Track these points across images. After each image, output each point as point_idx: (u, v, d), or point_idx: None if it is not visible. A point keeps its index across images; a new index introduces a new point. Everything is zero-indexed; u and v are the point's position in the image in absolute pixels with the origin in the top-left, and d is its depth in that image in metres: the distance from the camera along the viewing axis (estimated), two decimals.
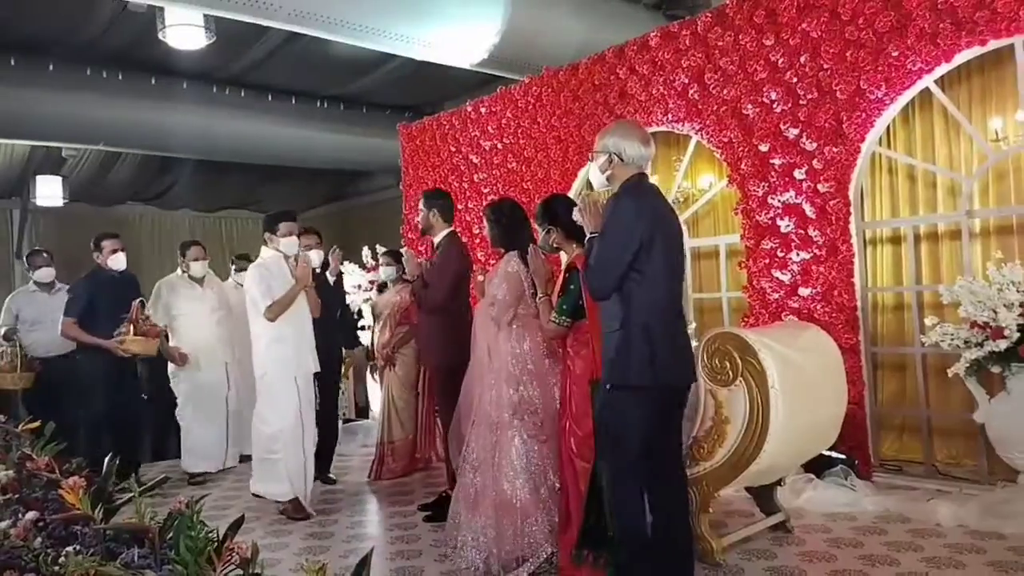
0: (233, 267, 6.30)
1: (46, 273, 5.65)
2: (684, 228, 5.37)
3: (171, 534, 2.00)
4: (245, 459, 5.39)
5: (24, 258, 6.01)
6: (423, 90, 9.26)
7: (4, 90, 7.35)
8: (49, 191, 10.04)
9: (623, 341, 2.65)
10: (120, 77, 7.98)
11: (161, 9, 6.25)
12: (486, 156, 6.66)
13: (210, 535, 1.84)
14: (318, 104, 9.52)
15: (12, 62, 7.40)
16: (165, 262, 9.96)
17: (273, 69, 8.39)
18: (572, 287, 3.02)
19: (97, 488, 2.26)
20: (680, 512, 2.80)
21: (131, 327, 4.76)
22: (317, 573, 1.27)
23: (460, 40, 6.49)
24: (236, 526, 1.90)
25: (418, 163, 7.45)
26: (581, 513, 3.01)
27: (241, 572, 1.62)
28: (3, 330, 5.47)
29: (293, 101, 9.23)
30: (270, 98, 9.05)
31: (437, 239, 4.20)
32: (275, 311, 4.18)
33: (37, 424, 3.24)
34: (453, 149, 7.01)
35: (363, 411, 7.65)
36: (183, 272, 5.55)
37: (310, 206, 13.28)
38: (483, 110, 6.67)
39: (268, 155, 9.71)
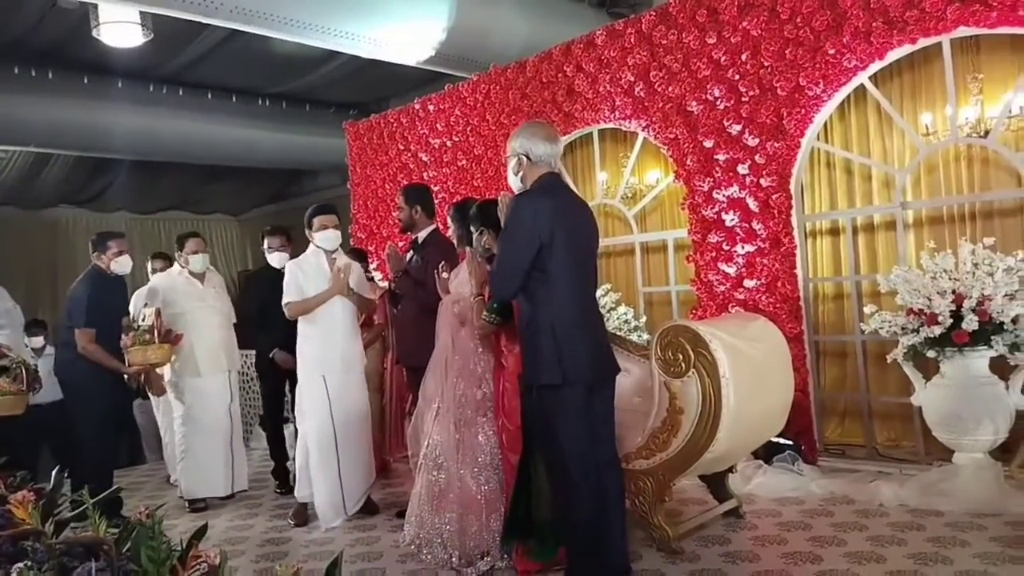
0: (149, 265, 5.68)
1: None
2: (632, 223, 5.56)
3: (128, 545, 1.95)
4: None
5: None
6: (368, 87, 9.18)
7: None
8: None
9: (531, 341, 2.77)
10: (51, 76, 7.69)
11: (94, 6, 6.04)
12: (435, 154, 6.64)
13: (172, 546, 1.81)
14: (260, 102, 9.35)
15: None
16: None
17: (212, 67, 8.20)
18: None
19: (47, 502, 2.19)
20: (615, 499, 2.89)
21: (155, 335, 4.30)
22: None
23: (407, 37, 6.46)
24: (200, 533, 1.87)
25: (365, 161, 7.38)
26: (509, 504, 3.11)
27: None
28: None
29: (234, 99, 9.05)
30: (210, 96, 8.85)
31: (422, 236, 4.17)
32: (292, 310, 4.10)
33: None
34: (401, 147, 6.96)
35: None
36: (182, 267, 4.88)
37: (253, 205, 13.04)
38: (431, 107, 6.65)
39: (209, 154, 9.49)
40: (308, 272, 4.16)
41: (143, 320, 4.33)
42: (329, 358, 4.11)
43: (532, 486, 3.07)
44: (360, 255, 5.31)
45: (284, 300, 4.14)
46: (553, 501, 2.88)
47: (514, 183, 2.93)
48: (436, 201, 6.31)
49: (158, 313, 4.37)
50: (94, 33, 6.21)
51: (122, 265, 4.53)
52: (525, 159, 2.85)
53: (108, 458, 4.51)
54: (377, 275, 6.49)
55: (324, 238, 4.16)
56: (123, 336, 4.36)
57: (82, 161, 9.94)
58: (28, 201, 10.76)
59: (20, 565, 1.83)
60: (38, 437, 5.37)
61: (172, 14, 5.58)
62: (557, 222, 2.71)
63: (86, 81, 7.89)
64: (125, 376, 4.57)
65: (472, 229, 3.36)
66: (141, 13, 6.07)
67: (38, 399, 4.19)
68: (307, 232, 4.24)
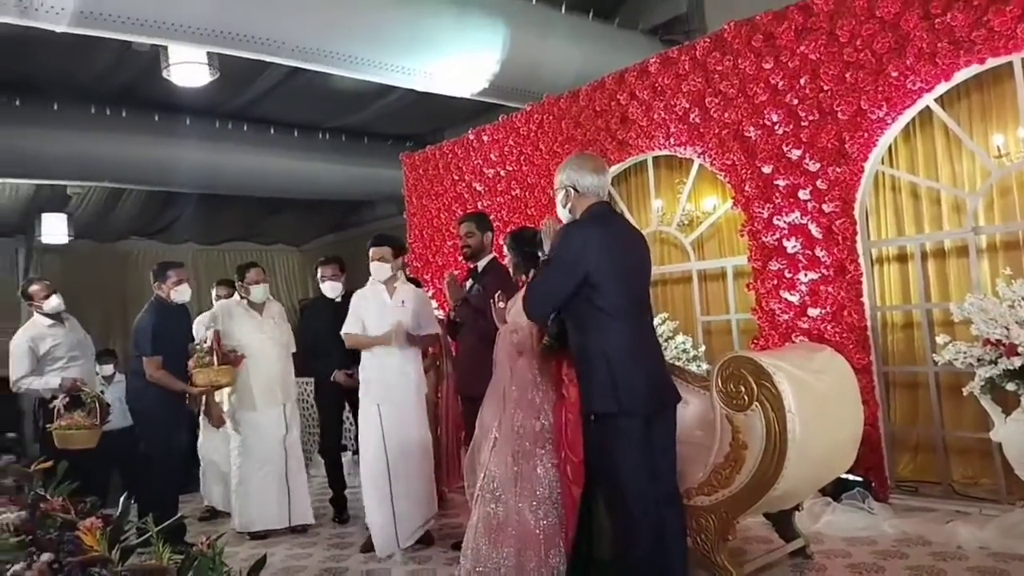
0: (214, 292, 5.85)
1: (57, 303, 4.83)
2: (689, 250, 5.47)
3: (190, 574, 1.97)
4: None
5: (22, 292, 5.04)
6: (424, 120, 9.36)
7: (9, 130, 7.43)
8: (54, 229, 10.09)
9: (585, 369, 2.75)
10: (124, 115, 8.07)
11: (165, 48, 6.33)
12: (489, 183, 6.69)
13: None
14: (320, 136, 9.62)
15: (17, 102, 7.49)
16: None
17: (275, 103, 8.49)
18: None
19: (114, 528, 2.24)
20: (676, 535, 2.81)
21: (214, 357, 4.40)
22: None
23: (460, 70, 6.56)
24: (259, 565, 1.88)
25: (421, 191, 7.49)
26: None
27: None
28: (60, 378, 4.58)
29: (295, 134, 9.32)
30: (272, 131, 9.14)
31: (482, 264, 4.21)
32: (348, 341, 4.24)
33: (49, 464, 3.21)
34: (456, 177, 7.04)
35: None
36: (242, 298, 4.94)
37: (314, 236, 13.35)
38: (485, 138, 6.72)
39: (271, 187, 9.79)
40: (368, 304, 4.23)
41: (204, 343, 4.45)
42: (384, 388, 4.13)
43: (593, 522, 3.00)
44: (415, 283, 5.33)
45: (344, 329, 4.22)
46: (612, 537, 2.81)
47: (563, 215, 2.93)
48: None
49: (216, 335, 4.46)
50: (164, 74, 6.49)
51: (181, 294, 4.60)
52: (573, 191, 2.85)
53: (173, 485, 4.60)
54: (432, 303, 6.53)
55: (374, 269, 4.24)
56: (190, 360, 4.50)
57: (153, 195, 10.37)
58: (102, 234, 11.25)
59: None
60: (108, 463, 5.52)
61: (237, 54, 5.80)
62: (606, 251, 2.70)
63: (156, 119, 8.25)
64: (187, 399, 4.70)
65: (540, 254, 3.36)
66: (208, 53, 6.33)
67: (108, 426, 4.32)
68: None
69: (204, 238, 12.53)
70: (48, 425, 4.23)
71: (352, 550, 4.28)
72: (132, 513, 2.50)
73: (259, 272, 4.94)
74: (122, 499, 2.48)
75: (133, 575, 1.95)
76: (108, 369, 6.22)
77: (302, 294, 13.80)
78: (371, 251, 4.24)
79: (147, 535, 2.26)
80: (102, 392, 5.01)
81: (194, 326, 5.01)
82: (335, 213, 12.57)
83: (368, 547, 4.19)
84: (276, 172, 9.24)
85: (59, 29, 5.03)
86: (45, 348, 4.75)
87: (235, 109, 8.59)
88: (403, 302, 4.24)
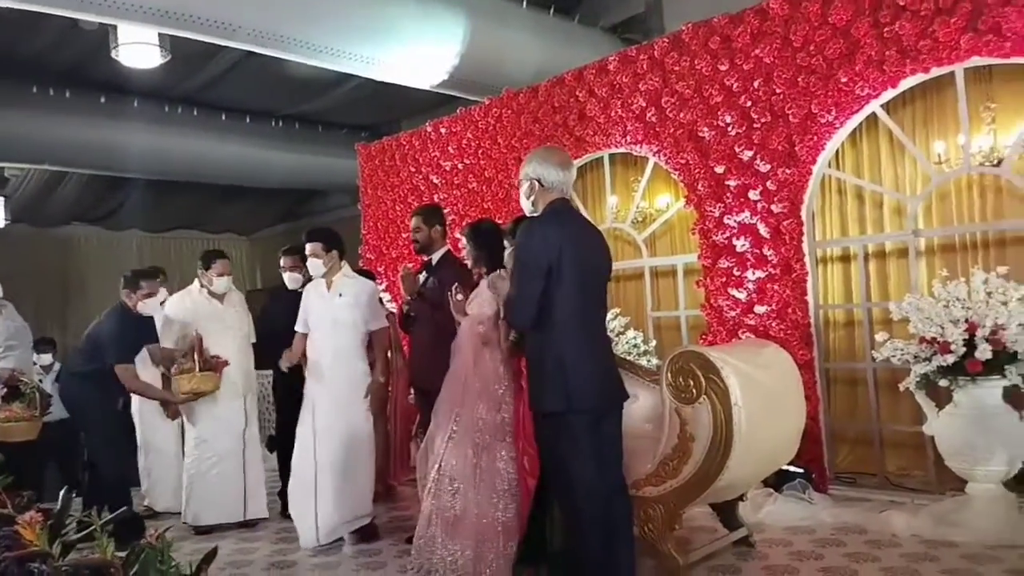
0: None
1: None
2: (642, 247, 5.55)
3: (136, 568, 1.94)
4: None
5: None
6: (380, 110, 9.27)
7: None
8: None
9: (537, 368, 2.77)
10: (67, 95, 7.80)
11: (113, 27, 6.13)
12: (447, 176, 6.67)
13: (181, 570, 1.80)
14: (273, 123, 9.45)
15: None
16: (113, 286, 9.67)
17: (227, 88, 8.31)
18: None
19: (54, 523, 2.18)
20: (623, 526, 2.85)
21: (196, 362, 4.25)
22: None
23: (420, 61, 6.53)
24: (210, 557, 1.85)
25: (376, 183, 7.42)
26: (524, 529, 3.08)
27: None
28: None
29: (248, 120, 9.15)
30: (224, 117, 8.94)
31: (436, 257, 4.19)
32: (295, 341, 4.26)
33: None
34: (413, 169, 7.00)
35: None
36: (201, 287, 4.79)
37: (264, 225, 13.12)
38: (443, 131, 6.69)
39: (222, 174, 9.58)
40: (310, 298, 4.25)
41: (184, 346, 4.26)
42: (320, 382, 4.11)
43: (549, 513, 3.04)
44: (368, 275, 5.29)
45: (296, 327, 4.24)
46: (562, 529, 2.86)
47: (525, 207, 2.95)
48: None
49: (200, 341, 4.29)
50: (112, 54, 6.30)
51: (149, 307, 4.50)
52: (537, 184, 2.86)
53: (123, 477, 4.49)
54: (385, 296, 6.49)
55: (309, 265, 4.23)
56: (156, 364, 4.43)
57: (96, 179, 10.05)
58: (41, 218, 10.86)
59: None
60: (45, 456, 5.36)
61: (191, 36, 5.67)
62: (565, 248, 2.72)
63: (103, 100, 8.00)
64: (166, 409, 4.69)
65: (507, 244, 3.37)
66: (159, 35, 6.16)
67: (46, 418, 4.19)
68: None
69: (150, 225, 12.20)
70: None
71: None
72: (73, 507, 2.43)
73: (226, 264, 4.82)
74: (62, 492, 2.42)
75: (76, 570, 1.90)
76: (46, 359, 6.02)
77: (250, 285, 13.55)
78: (308, 246, 4.21)
79: (90, 529, 2.21)
80: (40, 382, 4.85)
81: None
82: (286, 202, 12.37)
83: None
84: (227, 159, 9.05)
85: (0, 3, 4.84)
86: None
87: (186, 93, 8.38)
88: (340, 295, 4.20)
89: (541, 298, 2.70)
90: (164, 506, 5.07)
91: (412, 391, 5.09)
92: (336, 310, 4.12)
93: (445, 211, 6.44)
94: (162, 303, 5.01)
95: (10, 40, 6.92)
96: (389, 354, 5.24)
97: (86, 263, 11.49)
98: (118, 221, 11.68)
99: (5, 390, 4.20)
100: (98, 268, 11.44)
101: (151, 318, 4.59)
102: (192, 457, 4.65)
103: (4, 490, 2.56)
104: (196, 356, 4.23)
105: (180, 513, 4.66)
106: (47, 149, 8.01)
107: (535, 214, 2.90)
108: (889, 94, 4.30)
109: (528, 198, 2.90)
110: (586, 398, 2.71)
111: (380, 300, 4.68)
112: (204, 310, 4.71)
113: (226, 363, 4.42)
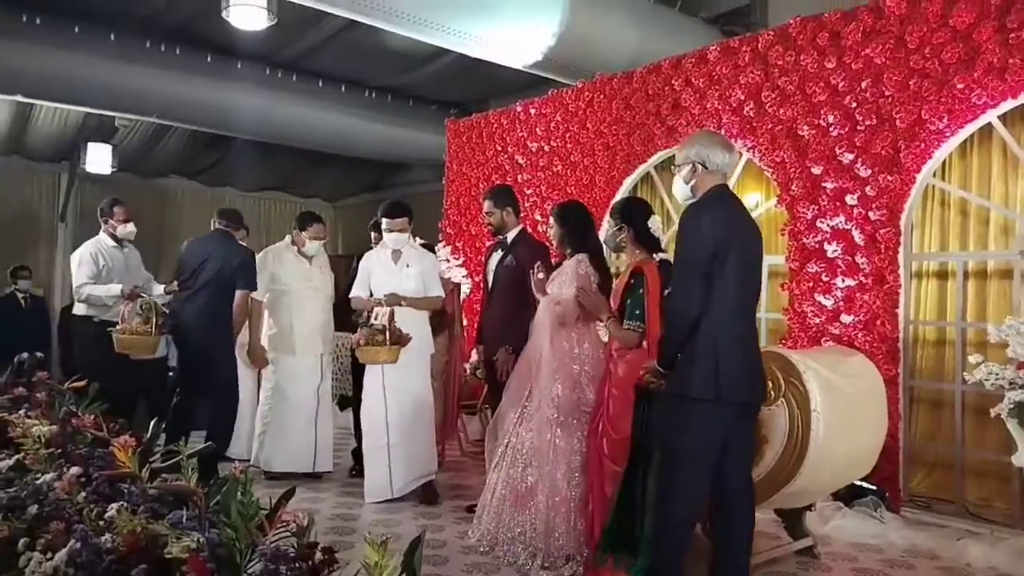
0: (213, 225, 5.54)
1: (131, 230, 5.21)
2: None
3: (217, 499, 2.03)
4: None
5: (101, 209, 5.27)
6: (470, 88, 9.30)
7: (65, 56, 7.50)
8: (99, 158, 10.21)
9: (688, 352, 2.62)
10: (177, 52, 8.11)
11: None
12: (532, 158, 6.67)
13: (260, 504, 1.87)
14: (366, 94, 9.61)
15: (76, 29, 7.56)
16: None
17: (326, 56, 8.48)
18: (640, 291, 3.07)
19: (145, 449, 2.31)
20: (743, 524, 2.75)
21: (387, 336, 4.14)
22: (380, 547, 1.28)
23: (516, 40, 6.51)
24: (288, 495, 1.93)
25: (463, 159, 7.49)
26: (605, 515, 3.05)
27: (296, 541, 1.64)
28: (121, 286, 4.84)
29: (343, 88, 9.32)
30: (320, 84, 9.14)
31: (511, 236, 4.23)
32: (354, 304, 4.40)
33: (83, 384, 3.30)
34: (499, 148, 7.03)
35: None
36: (292, 244, 4.96)
37: (350, 194, 13.41)
38: (533, 111, 6.69)
39: (315, 140, 9.82)
40: (375, 268, 4.35)
41: (376, 319, 4.22)
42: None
43: (645, 499, 2.95)
44: (428, 249, 5.30)
45: (352, 292, 4.36)
46: (652, 518, 2.78)
47: (682, 192, 2.85)
48: (527, 205, 6.38)
49: (392, 316, 4.25)
50: (223, 14, 6.51)
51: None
52: (701, 167, 2.75)
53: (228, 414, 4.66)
54: (461, 271, 6.57)
55: (393, 239, 4.34)
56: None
57: (197, 136, 10.46)
58: (144, 169, 11.39)
59: (116, 505, 1.93)
60: (137, 390, 5.63)
61: (298, 0, 5.81)
62: (732, 235, 2.64)
63: (209, 60, 8.29)
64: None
65: (611, 222, 3.34)
66: None
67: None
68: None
69: (243, 184, 12.63)
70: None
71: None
72: (160, 438, 2.57)
73: (321, 228, 4.97)
74: (152, 423, 2.56)
75: (162, 494, 2.01)
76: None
77: (332, 250, 13.92)
78: (391, 221, 4.32)
79: (176, 459, 2.33)
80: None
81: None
82: (372, 173, 12.59)
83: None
84: (320, 125, 9.26)
85: None
86: (104, 266, 4.96)
87: (287, 58, 8.61)
88: (408, 265, 4.34)
89: (705, 283, 2.61)
90: (236, 453, 5.30)
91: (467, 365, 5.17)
92: (403, 280, 4.29)
93: (527, 192, 6.51)
94: None
95: None
96: (450, 325, 5.33)
97: (180, 215, 12.00)
98: (213, 177, 12.14)
99: (129, 304, 4.53)
100: (192, 221, 11.93)
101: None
102: (267, 405, 4.87)
103: (100, 416, 2.74)
104: (389, 331, 4.20)
105: (250, 459, 4.85)
106: (155, 103, 8.37)
107: (691, 200, 2.80)
108: (1008, 104, 4.06)
109: (688, 182, 2.79)
110: (736, 390, 2.61)
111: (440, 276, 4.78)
112: (292, 268, 4.88)
113: (410, 338, 4.33)
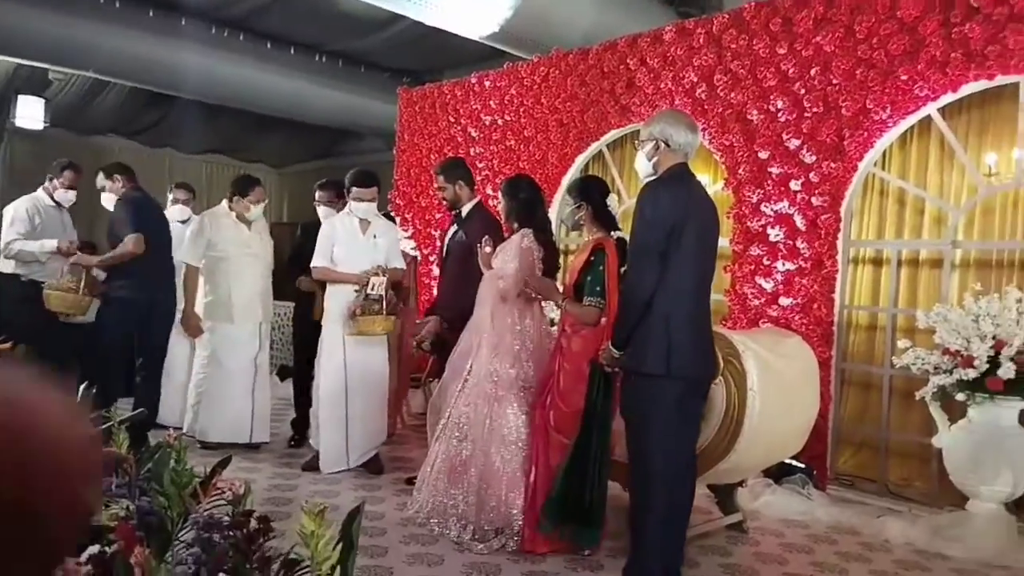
0: (170, 196, 5.68)
1: (71, 196, 5.07)
2: None
3: (148, 467, 1.98)
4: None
5: (53, 167, 5.11)
6: (424, 56, 9.15)
7: None
8: (30, 112, 9.72)
9: (642, 330, 2.68)
10: (117, 4, 7.75)
11: None
12: (485, 131, 6.62)
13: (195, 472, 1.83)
14: (317, 58, 9.36)
15: None
16: None
17: (277, 16, 8.22)
18: (600, 268, 3.11)
19: None
20: (682, 508, 2.85)
21: (383, 306, 4.11)
22: (317, 516, 1.27)
23: (472, 9, 6.41)
24: (224, 463, 1.89)
25: (414, 129, 7.38)
26: (548, 485, 3.09)
27: (231, 509, 1.61)
28: (57, 241, 4.72)
29: (292, 51, 9.06)
30: (268, 45, 8.86)
31: (465, 210, 4.19)
32: (317, 274, 4.34)
33: (8, 345, 3.17)
34: (452, 119, 6.95)
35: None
36: (231, 210, 4.78)
37: (296, 160, 13.11)
38: (487, 83, 6.62)
39: (261, 103, 9.53)
40: (340, 237, 4.23)
41: (372, 289, 4.12)
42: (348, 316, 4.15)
43: (592, 469, 3.02)
44: (389, 219, 5.26)
45: (313, 262, 4.24)
46: (630, 491, 2.83)
47: (644, 167, 2.87)
48: (479, 178, 6.32)
49: (388, 286, 4.16)
50: None
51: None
52: (664, 145, 2.78)
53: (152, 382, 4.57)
54: (410, 244, 6.50)
55: (362, 208, 4.25)
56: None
57: (137, 93, 10.03)
58: (80, 126, 10.89)
59: None
60: (69, 354, 5.45)
61: None
62: (689, 213, 2.68)
63: (151, 14, 7.95)
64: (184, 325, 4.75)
65: (569, 200, 3.35)
66: None
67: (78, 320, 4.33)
68: (346, 194, 4.30)
69: (185, 146, 12.21)
70: None
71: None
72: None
73: (262, 192, 4.86)
74: (82, 387, 2.47)
75: None
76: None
77: (276, 217, 13.60)
78: (361, 190, 4.22)
79: (108, 424, 2.26)
80: None
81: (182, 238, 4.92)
82: (321, 140, 12.32)
83: (311, 466, 4.26)
84: (268, 88, 8.99)
85: None
86: (40, 224, 4.82)
87: (234, 17, 8.30)
88: (375, 236, 4.26)
89: (661, 261, 2.64)
90: (171, 421, 5.17)
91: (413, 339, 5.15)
92: (373, 252, 4.20)
93: (479, 166, 6.46)
94: (185, 221, 5.11)
95: None
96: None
97: None
98: (154, 137, 11.69)
99: (67, 262, 4.48)
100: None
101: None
102: (202, 375, 4.74)
103: None
104: (385, 301, 4.12)
105: (183, 429, 4.70)
106: (92, 56, 7.99)
107: (652, 176, 2.82)
108: (948, 98, 4.19)
109: (650, 159, 2.82)
110: (686, 366, 2.67)
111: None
112: (231, 234, 4.74)
113: (402, 308, 4.29)
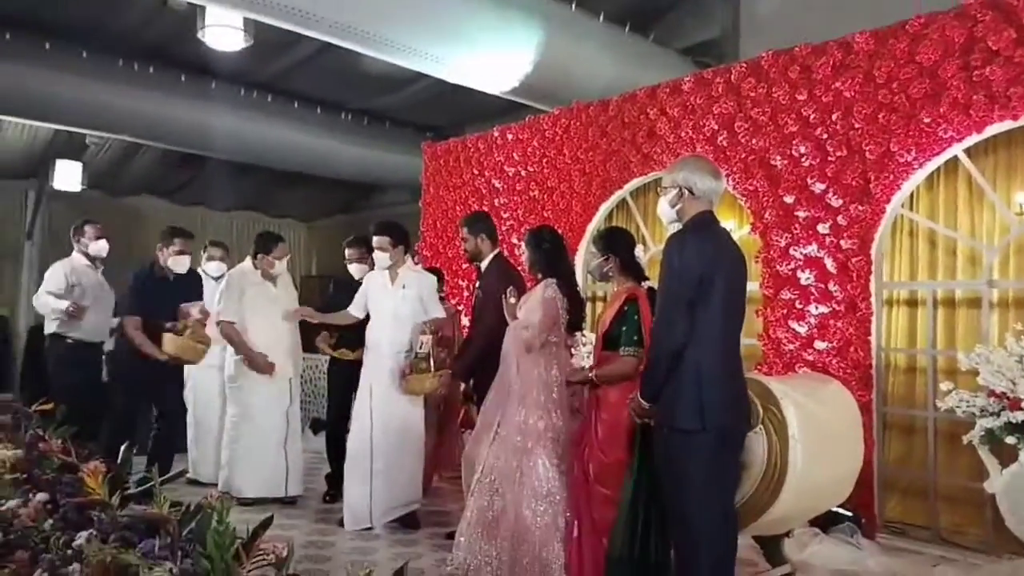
0: (204, 254, 5.77)
1: (103, 247, 5.12)
2: None
3: (190, 527, 1.97)
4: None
5: (73, 229, 5.21)
6: (447, 112, 9.36)
7: (36, 72, 7.40)
8: (68, 175, 10.04)
9: (673, 381, 2.63)
10: (151, 71, 8.05)
11: (202, 8, 6.32)
12: (509, 182, 6.70)
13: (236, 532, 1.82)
14: (343, 116, 9.62)
15: (47, 46, 7.46)
16: None
17: (303, 77, 8.48)
18: (636, 317, 3.09)
19: (115, 475, 2.23)
20: (728, 560, 2.76)
21: (431, 363, 4.15)
22: None
23: (493, 66, 6.56)
24: (265, 524, 1.88)
25: (439, 183, 7.49)
26: (596, 540, 3.01)
27: (275, 572, 1.60)
28: (67, 302, 4.79)
29: (318, 110, 9.32)
30: (296, 105, 9.13)
31: (484, 264, 4.21)
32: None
33: (50, 406, 3.20)
34: (476, 172, 7.05)
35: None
36: (255, 267, 4.88)
37: (324, 214, 13.36)
38: (510, 136, 6.73)
39: (289, 161, 9.80)
40: (371, 289, 4.33)
41: (420, 347, 4.14)
42: (378, 369, 4.19)
43: (648, 526, 2.92)
44: (435, 272, 5.25)
45: (349, 308, 4.34)
46: (675, 548, 2.77)
47: (667, 214, 2.85)
48: (504, 228, 6.38)
49: (434, 343, 4.21)
50: (199, 35, 6.48)
51: (179, 264, 4.98)
52: (687, 192, 2.76)
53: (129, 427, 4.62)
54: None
55: (375, 258, 4.37)
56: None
57: (169, 154, 10.35)
58: (114, 187, 11.23)
59: (85, 533, 1.87)
60: (104, 413, 5.51)
61: (273, 22, 5.80)
62: (718, 262, 2.66)
63: (183, 79, 8.24)
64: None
65: (594, 252, 3.35)
66: (244, 19, 6.33)
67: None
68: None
69: (215, 203, 12.51)
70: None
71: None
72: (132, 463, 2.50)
73: (285, 248, 4.96)
74: (123, 448, 2.48)
75: (133, 522, 1.95)
76: (115, 321, 6.24)
77: (304, 271, 13.79)
78: (374, 239, 4.32)
79: (149, 484, 2.26)
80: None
81: (216, 294, 5.02)
82: (347, 194, 12.56)
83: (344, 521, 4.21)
84: (296, 146, 9.24)
85: None
86: (76, 285, 4.93)
87: (262, 79, 8.58)
88: (404, 287, 4.30)
89: (690, 310, 2.60)
90: (207, 476, 5.19)
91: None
92: (399, 303, 4.22)
93: (504, 216, 6.53)
94: (218, 277, 5.20)
95: (101, 14, 7.19)
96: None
97: (151, 234, 11.82)
98: (185, 196, 12.01)
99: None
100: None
101: (183, 277, 4.98)
102: (235, 432, 4.76)
103: (67, 440, 2.65)
104: (431, 358, 4.14)
105: (218, 484, 4.70)
106: (127, 121, 8.29)
107: (675, 222, 2.81)
108: (973, 139, 4.18)
109: (673, 206, 2.80)
110: (720, 417, 2.62)
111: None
112: (259, 291, 4.83)
113: (453, 363, 4.28)
